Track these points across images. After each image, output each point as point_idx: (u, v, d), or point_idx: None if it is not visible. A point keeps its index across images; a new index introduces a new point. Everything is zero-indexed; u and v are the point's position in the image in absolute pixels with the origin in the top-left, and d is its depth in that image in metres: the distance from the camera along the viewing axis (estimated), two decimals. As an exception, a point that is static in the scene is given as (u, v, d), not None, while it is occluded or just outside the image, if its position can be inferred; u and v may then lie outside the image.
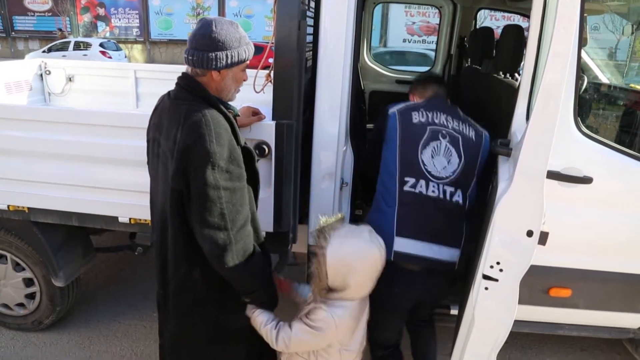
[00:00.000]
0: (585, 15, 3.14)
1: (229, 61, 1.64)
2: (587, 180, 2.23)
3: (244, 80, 1.79)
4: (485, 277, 1.54)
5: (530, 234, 1.46)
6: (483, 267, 1.54)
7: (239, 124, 1.91)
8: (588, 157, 2.23)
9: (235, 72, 1.70)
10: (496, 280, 1.52)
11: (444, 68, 4.43)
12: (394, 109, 2.23)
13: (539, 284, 2.45)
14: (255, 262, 1.71)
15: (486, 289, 1.55)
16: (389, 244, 1.99)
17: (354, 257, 1.66)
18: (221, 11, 24.00)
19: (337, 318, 1.68)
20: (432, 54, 6.12)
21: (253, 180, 1.78)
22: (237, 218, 1.60)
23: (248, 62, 1.74)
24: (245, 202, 1.66)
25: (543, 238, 1.47)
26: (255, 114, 2.18)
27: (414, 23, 21.23)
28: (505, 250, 1.50)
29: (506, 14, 3.94)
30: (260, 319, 1.78)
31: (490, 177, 2.08)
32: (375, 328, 2.08)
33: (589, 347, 3.07)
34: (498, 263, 1.52)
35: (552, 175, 2.23)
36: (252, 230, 1.76)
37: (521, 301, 2.48)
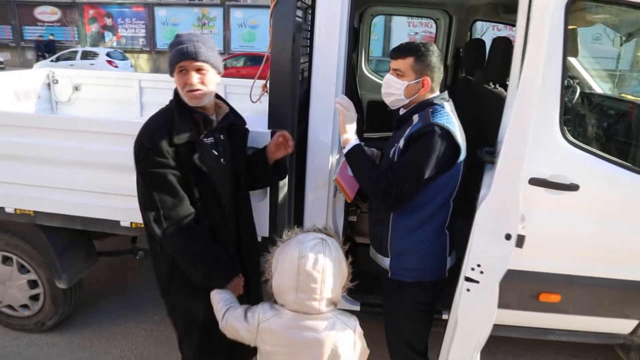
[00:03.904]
0: (575, 27, 3.24)
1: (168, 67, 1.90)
2: (573, 187, 2.29)
3: (187, 84, 1.86)
4: (467, 279, 1.61)
5: (508, 237, 1.53)
6: (465, 270, 1.61)
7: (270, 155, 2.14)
8: (574, 164, 2.29)
9: (175, 77, 1.89)
10: (477, 282, 1.59)
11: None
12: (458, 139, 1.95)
13: (529, 289, 2.50)
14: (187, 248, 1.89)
15: (468, 290, 1.62)
16: (444, 263, 2.04)
17: (279, 254, 1.58)
18: (226, 21, 24.28)
19: (262, 315, 1.59)
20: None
21: (200, 175, 1.91)
22: (165, 204, 1.84)
23: (175, 66, 1.86)
24: (174, 192, 1.85)
25: (520, 241, 1.54)
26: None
27: (416, 33, 21.39)
28: (485, 253, 1.57)
29: (509, 25, 4.02)
30: (216, 298, 1.81)
31: (473, 185, 2.14)
32: (423, 335, 2.19)
33: (581, 353, 3.11)
34: (479, 265, 1.58)
35: (539, 182, 2.30)
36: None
37: (512, 306, 2.55)
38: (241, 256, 2.12)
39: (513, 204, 1.52)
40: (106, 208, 2.54)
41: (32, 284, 2.95)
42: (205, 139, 1.96)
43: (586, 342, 2.74)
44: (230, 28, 24.44)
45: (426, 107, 1.97)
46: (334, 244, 1.55)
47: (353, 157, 2.04)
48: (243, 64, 17.68)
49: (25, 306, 3.01)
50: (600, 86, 3.99)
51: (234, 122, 2.09)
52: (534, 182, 2.30)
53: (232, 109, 2.12)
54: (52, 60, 19.09)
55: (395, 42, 22.43)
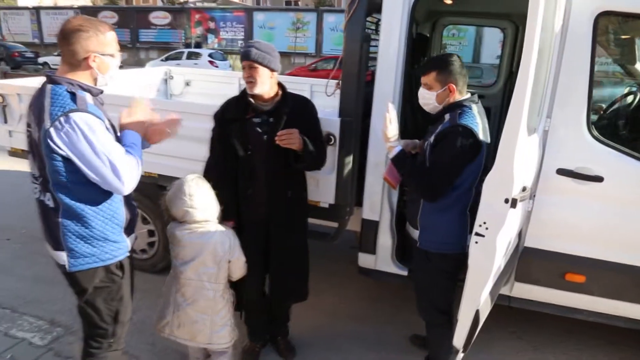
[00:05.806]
0: (632, 37, 3.47)
1: None
2: (597, 178, 2.62)
3: (244, 77, 2.47)
4: (476, 234, 2.07)
5: (506, 201, 1.97)
6: (475, 227, 2.07)
7: None
8: (599, 158, 2.61)
9: None
10: (483, 236, 2.04)
11: (506, 84, 4.83)
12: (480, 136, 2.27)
13: (555, 268, 2.83)
14: None
15: (476, 242, 2.07)
16: (464, 240, 2.37)
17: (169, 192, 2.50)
18: (319, 26, 25.32)
19: (170, 227, 2.56)
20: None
21: (238, 144, 2.56)
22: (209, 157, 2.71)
23: (242, 64, 2.48)
24: (215, 151, 2.65)
25: (514, 203, 1.97)
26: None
27: (508, 39, 20.94)
28: (489, 213, 2.01)
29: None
30: None
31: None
32: (445, 297, 2.57)
33: (617, 341, 3.32)
34: (484, 223, 2.02)
35: (566, 172, 2.66)
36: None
37: (540, 283, 2.89)
38: (269, 218, 2.62)
39: (509, 176, 1.96)
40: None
41: (150, 233, 3.78)
42: (254, 119, 2.51)
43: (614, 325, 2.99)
44: (323, 32, 25.43)
45: (456, 108, 2.31)
46: (201, 180, 2.44)
47: (398, 160, 2.44)
48: (333, 67, 18.36)
49: (143, 250, 3.86)
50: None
51: (279, 107, 2.51)
52: (561, 172, 2.67)
53: (284, 97, 2.55)
54: (161, 60, 21.22)
55: (486, 48, 21.84)
